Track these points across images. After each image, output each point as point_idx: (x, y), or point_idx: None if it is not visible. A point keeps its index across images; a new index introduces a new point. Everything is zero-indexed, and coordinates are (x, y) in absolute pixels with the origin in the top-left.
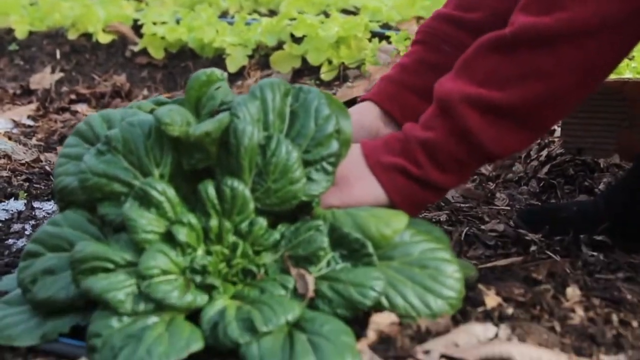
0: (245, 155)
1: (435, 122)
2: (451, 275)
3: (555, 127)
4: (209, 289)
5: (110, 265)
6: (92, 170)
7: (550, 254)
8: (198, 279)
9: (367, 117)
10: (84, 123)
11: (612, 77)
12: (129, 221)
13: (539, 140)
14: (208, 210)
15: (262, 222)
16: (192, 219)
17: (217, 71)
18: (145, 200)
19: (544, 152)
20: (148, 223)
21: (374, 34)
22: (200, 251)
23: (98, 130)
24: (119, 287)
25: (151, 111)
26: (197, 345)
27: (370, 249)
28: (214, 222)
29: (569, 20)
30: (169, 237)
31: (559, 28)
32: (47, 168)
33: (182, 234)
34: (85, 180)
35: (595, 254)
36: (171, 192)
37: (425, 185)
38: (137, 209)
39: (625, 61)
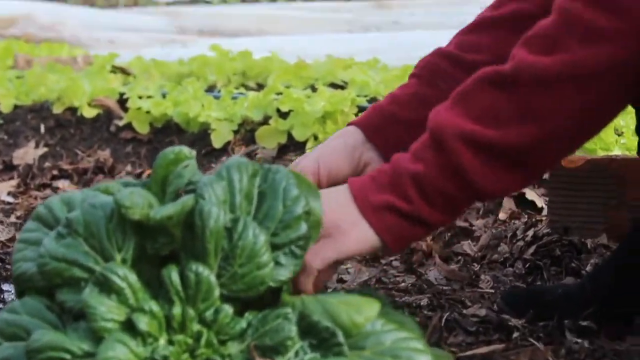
0: (210, 238)
1: (427, 154)
2: None
3: (543, 205)
4: None
5: (67, 356)
6: (51, 254)
7: (533, 341)
8: None
9: (349, 140)
10: (43, 207)
11: (600, 153)
12: (88, 308)
13: (525, 219)
14: (171, 297)
15: (228, 309)
16: (154, 306)
17: (185, 149)
18: (106, 287)
19: (530, 232)
20: (108, 310)
21: (362, 109)
22: (162, 341)
23: (58, 214)
24: None
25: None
26: None
27: (341, 338)
28: (177, 310)
29: (571, 62)
30: (129, 326)
31: (560, 70)
32: None
33: (143, 323)
34: (44, 265)
35: (579, 340)
36: (133, 277)
37: (415, 222)
38: (97, 295)
39: (615, 137)
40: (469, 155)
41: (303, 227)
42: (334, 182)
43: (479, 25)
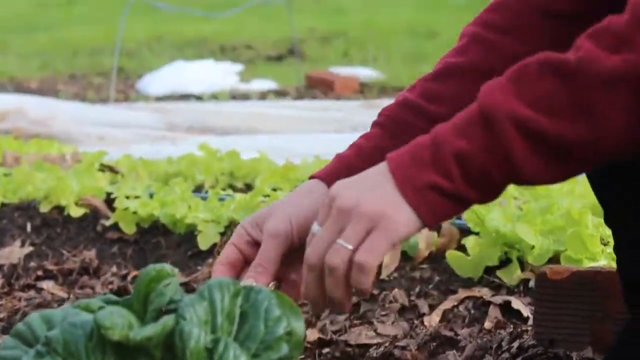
0: (191, 359)
1: (473, 131)
2: None
3: (529, 314)
4: None
5: None
6: None
7: None
8: None
9: (316, 196)
10: (23, 323)
11: (586, 263)
12: None
13: (510, 330)
14: None
15: None
16: None
17: (167, 267)
18: None
19: (516, 343)
20: None
21: None
22: None
23: (38, 331)
24: None
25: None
26: None
27: None
28: None
29: (638, 63)
30: None
31: (625, 69)
32: None
33: None
34: None
35: None
36: None
37: (454, 199)
38: None
39: (601, 247)
40: (519, 140)
41: (284, 348)
42: (303, 240)
43: (444, 73)
